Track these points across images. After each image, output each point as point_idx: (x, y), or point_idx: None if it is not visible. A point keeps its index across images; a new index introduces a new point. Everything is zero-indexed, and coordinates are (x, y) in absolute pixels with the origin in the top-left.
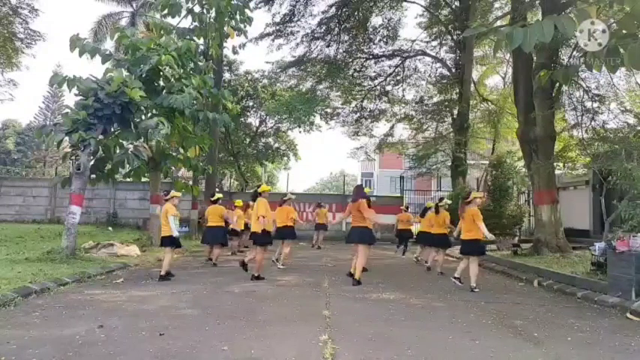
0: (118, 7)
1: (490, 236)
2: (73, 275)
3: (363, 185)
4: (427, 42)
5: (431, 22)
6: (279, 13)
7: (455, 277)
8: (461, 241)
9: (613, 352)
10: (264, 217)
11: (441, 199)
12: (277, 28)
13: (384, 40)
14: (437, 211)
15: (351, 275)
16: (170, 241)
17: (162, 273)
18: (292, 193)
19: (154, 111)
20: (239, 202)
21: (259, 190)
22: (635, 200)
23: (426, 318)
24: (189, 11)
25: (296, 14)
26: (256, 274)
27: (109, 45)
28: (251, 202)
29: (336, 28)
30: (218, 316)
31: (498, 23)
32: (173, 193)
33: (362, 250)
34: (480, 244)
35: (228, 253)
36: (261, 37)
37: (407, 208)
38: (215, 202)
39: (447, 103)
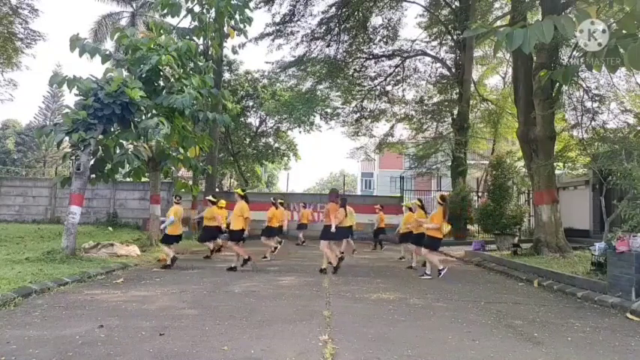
0: (118, 7)
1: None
2: (73, 275)
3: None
4: (427, 42)
5: (431, 22)
6: (279, 13)
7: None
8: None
9: (613, 352)
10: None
11: (419, 199)
12: (277, 28)
13: (384, 40)
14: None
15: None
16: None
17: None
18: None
19: (154, 111)
20: (223, 203)
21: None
22: (635, 200)
23: (426, 318)
24: (189, 11)
25: (296, 14)
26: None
27: (109, 45)
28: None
29: (336, 28)
30: (218, 316)
31: (498, 23)
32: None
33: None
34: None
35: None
36: (261, 37)
37: (382, 207)
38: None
39: (447, 103)
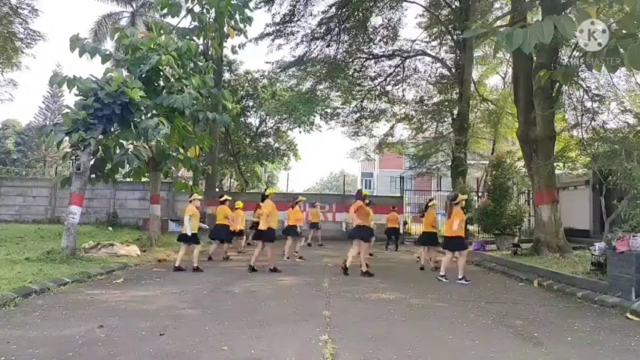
0: (118, 7)
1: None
2: (73, 275)
3: (362, 187)
4: (427, 42)
5: (431, 22)
6: (279, 13)
7: (441, 276)
8: (444, 238)
9: (613, 352)
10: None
11: (430, 200)
12: (277, 28)
13: (384, 40)
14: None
15: (346, 270)
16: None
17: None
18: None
19: (154, 111)
20: (240, 204)
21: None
22: (635, 200)
23: (426, 318)
24: (189, 11)
25: (296, 14)
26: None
27: (109, 45)
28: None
29: (336, 28)
30: (218, 316)
31: (498, 23)
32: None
33: (361, 245)
34: (463, 240)
35: (235, 252)
36: (261, 37)
37: (394, 207)
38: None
39: (447, 103)
